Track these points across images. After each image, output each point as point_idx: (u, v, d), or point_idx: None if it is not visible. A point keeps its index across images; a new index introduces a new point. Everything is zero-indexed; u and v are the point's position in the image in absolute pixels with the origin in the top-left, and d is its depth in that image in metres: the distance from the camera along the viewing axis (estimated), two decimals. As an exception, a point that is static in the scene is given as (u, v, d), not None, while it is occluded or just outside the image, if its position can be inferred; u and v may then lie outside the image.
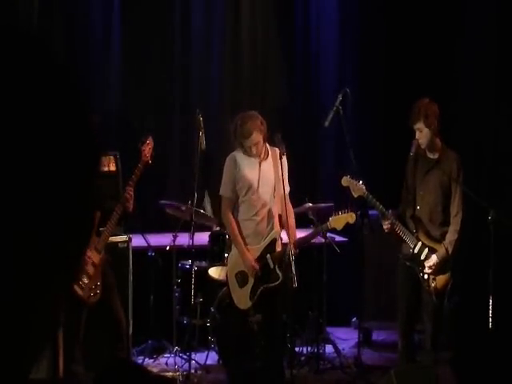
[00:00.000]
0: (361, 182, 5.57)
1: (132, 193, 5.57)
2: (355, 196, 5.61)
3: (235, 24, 7.97)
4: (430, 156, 5.62)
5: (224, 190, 5.50)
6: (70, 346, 5.49)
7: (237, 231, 5.44)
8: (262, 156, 5.48)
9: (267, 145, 5.50)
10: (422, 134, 5.54)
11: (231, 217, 5.47)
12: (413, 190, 5.66)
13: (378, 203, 5.55)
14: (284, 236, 5.56)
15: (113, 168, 6.31)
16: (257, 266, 5.39)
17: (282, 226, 5.51)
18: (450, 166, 5.56)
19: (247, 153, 5.45)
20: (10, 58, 1.02)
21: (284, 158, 5.47)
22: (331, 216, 5.64)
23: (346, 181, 5.60)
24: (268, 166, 5.47)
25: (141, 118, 7.68)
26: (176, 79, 7.80)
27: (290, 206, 5.53)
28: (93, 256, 5.39)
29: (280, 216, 5.51)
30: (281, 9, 8.11)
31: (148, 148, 5.66)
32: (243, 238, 5.45)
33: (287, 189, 5.46)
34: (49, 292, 1.03)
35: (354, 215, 5.57)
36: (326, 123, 5.95)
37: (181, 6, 7.82)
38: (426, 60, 7.80)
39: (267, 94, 8.03)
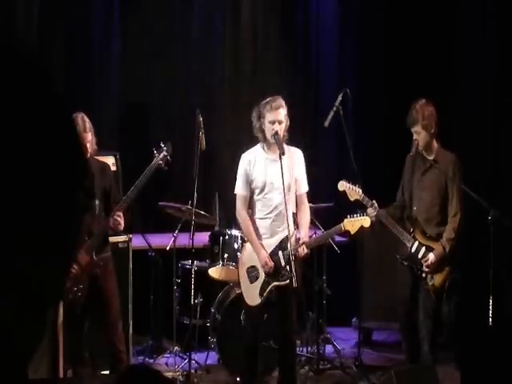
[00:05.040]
0: (357, 185, 5.58)
1: (120, 217, 5.31)
2: (352, 199, 5.63)
3: (235, 24, 7.97)
4: (428, 157, 5.64)
5: (238, 188, 5.49)
6: (73, 348, 5.48)
7: (251, 228, 5.43)
8: (276, 155, 5.40)
9: (285, 144, 5.45)
10: (420, 136, 5.57)
11: (246, 214, 5.46)
12: (409, 189, 5.68)
13: (377, 208, 5.57)
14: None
15: (113, 168, 6.30)
16: (271, 263, 5.38)
17: (297, 225, 5.51)
18: (447, 167, 5.58)
19: (266, 144, 5.40)
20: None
21: (300, 158, 5.50)
22: (345, 218, 5.53)
23: (342, 185, 5.62)
24: (284, 163, 5.38)
25: (141, 118, 7.69)
26: (176, 79, 7.81)
27: (306, 205, 5.55)
28: (79, 257, 5.28)
29: (295, 214, 5.49)
30: (281, 9, 8.11)
31: (162, 155, 5.53)
32: (258, 236, 5.45)
33: (305, 188, 5.52)
34: (38, 296, 1.04)
35: (369, 220, 5.49)
36: (326, 123, 5.95)
37: (181, 6, 7.83)
38: (425, 60, 7.80)
39: (267, 94, 8.01)
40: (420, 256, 5.55)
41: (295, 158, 5.47)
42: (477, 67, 7.76)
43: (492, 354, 4.64)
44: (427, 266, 5.51)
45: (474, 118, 7.71)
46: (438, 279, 5.52)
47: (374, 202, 5.58)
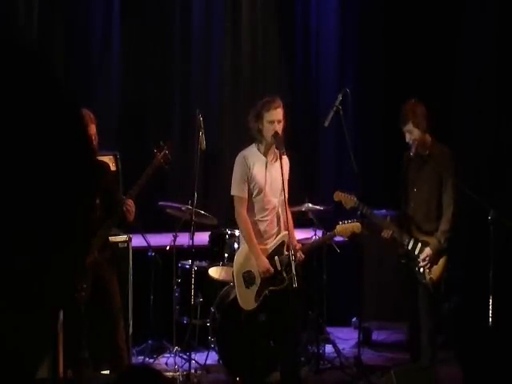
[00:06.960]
0: (352, 194, 5.67)
1: (131, 205, 5.43)
2: (347, 208, 5.70)
3: (235, 24, 7.97)
4: (422, 153, 5.68)
5: (236, 190, 5.39)
6: (73, 348, 5.48)
7: (251, 232, 5.35)
8: (272, 157, 5.38)
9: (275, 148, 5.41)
10: (413, 135, 5.60)
11: (246, 216, 5.36)
12: (406, 187, 5.75)
13: (372, 213, 5.65)
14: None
15: (113, 168, 6.31)
16: (272, 270, 5.36)
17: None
18: (442, 160, 5.62)
19: (263, 145, 5.35)
20: (5, 73, 1.03)
21: (286, 160, 5.45)
22: (339, 221, 5.57)
23: (337, 195, 5.73)
24: (277, 168, 5.37)
25: (141, 118, 7.70)
26: (176, 79, 7.81)
27: (288, 209, 5.50)
28: None
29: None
30: (281, 9, 8.11)
31: (163, 153, 5.57)
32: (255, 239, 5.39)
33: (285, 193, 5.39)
34: (47, 298, 1.03)
35: (360, 225, 5.55)
36: (326, 123, 5.96)
37: (181, 5, 7.83)
38: (426, 60, 7.81)
39: (267, 94, 8.01)
40: (417, 252, 5.63)
41: (284, 163, 5.42)
42: (478, 65, 7.76)
43: (492, 354, 4.64)
44: (424, 260, 5.58)
45: (475, 118, 7.71)
46: (435, 272, 5.61)
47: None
